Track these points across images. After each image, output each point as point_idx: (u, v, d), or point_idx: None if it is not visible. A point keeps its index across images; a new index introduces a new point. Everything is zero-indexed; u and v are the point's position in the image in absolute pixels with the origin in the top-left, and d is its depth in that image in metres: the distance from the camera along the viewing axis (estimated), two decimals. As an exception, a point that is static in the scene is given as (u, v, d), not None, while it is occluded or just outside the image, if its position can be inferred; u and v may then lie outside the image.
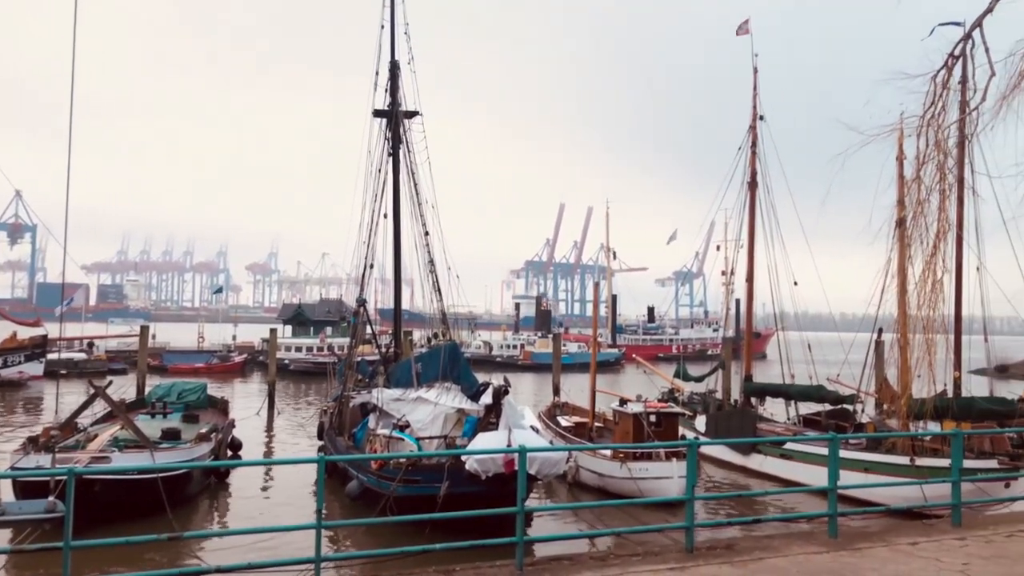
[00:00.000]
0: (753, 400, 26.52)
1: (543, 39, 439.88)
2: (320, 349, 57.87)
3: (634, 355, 43.16)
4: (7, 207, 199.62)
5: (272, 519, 16.28)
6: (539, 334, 79.80)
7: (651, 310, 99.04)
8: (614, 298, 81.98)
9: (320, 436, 23.51)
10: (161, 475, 14.03)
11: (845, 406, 22.63)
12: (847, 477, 11.77)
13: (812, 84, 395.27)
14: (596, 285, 33.23)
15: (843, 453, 14.36)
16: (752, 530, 12.51)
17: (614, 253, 42.43)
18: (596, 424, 23.74)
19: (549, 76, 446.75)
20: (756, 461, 22.29)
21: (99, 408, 19.95)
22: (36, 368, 47.30)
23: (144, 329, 41.68)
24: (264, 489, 19.58)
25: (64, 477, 7.00)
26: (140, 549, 12.07)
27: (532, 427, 14.96)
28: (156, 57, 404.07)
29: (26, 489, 12.05)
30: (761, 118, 26.86)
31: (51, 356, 48.17)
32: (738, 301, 37.59)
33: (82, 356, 53.82)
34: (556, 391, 35.08)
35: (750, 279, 27.17)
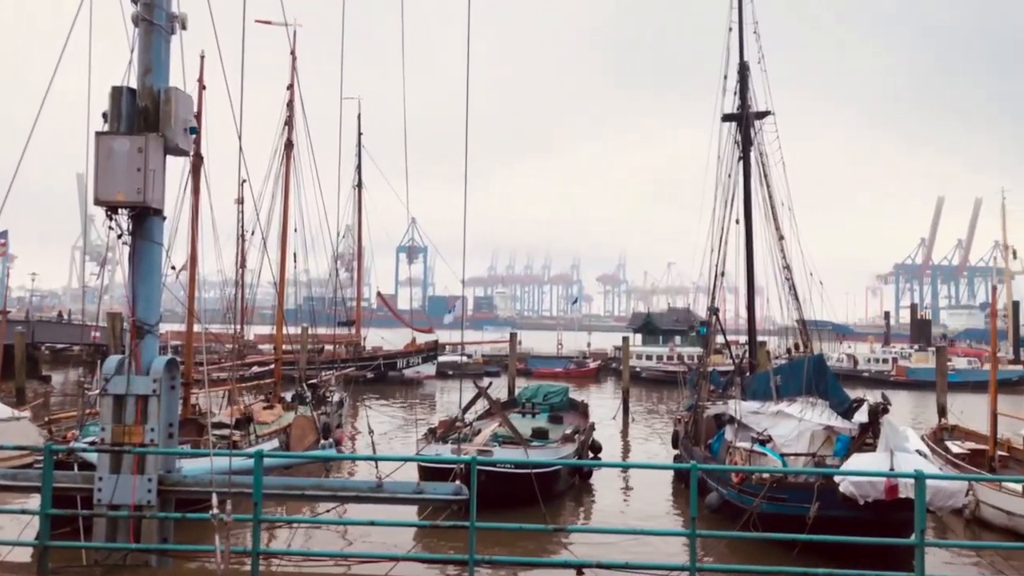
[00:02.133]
0: None
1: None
2: (670, 358, 58.47)
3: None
4: (405, 232, 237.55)
5: (633, 521, 16.73)
6: (915, 347, 70.75)
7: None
8: (1015, 305, 68.72)
9: (675, 445, 23.62)
10: (535, 471, 15.28)
11: None
12: None
13: None
14: (994, 289, 28.24)
15: None
16: None
17: (1014, 252, 35.76)
18: (999, 452, 20.14)
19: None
20: None
21: (479, 406, 22.55)
22: (430, 369, 55.67)
23: (513, 336, 46.46)
24: (623, 491, 20.27)
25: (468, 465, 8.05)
26: (520, 536, 13.24)
27: (919, 451, 13.23)
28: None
29: (431, 474, 13.99)
30: None
31: (441, 359, 56.45)
32: None
33: (464, 359, 61.68)
34: (942, 412, 30.94)
35: None
